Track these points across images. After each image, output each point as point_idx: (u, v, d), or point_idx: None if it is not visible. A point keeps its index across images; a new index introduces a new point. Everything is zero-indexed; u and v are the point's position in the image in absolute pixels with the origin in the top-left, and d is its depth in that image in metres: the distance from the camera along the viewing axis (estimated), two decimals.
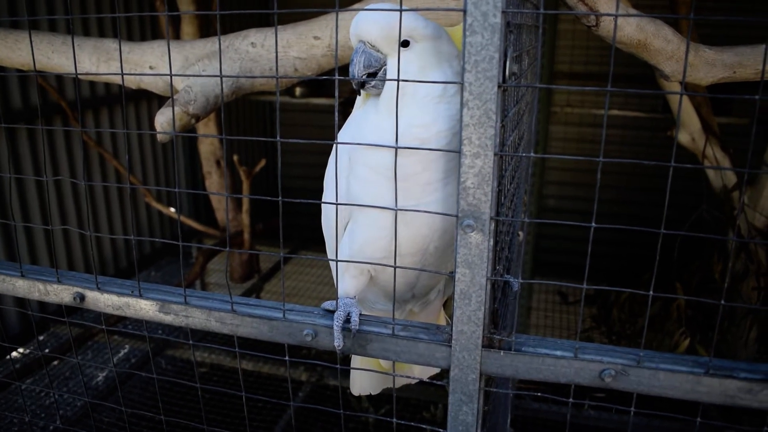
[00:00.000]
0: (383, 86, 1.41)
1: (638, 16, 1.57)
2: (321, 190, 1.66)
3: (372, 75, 1.42)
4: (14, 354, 4.93)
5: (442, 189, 1.40)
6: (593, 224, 1.17)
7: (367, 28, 1.38)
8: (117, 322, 5.14)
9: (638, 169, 6.92)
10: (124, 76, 2.59)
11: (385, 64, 1.41)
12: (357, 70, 1.40)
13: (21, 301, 4.81)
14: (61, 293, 1.67)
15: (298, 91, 7.78)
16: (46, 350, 5.02)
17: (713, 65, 2.01)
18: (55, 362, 5.05)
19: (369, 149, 1.41)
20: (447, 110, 1.36)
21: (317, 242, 6.86)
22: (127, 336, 5.45)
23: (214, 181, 5.67)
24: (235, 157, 5.00)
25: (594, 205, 1.19)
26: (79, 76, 2.53)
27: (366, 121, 1.45)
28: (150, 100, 6.38)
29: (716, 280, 4.57)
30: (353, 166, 1.46)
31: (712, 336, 1.28)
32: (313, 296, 6.38)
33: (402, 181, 1.32)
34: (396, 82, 1.22)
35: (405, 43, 1.37)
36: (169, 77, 1.47)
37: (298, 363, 4.85)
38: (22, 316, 5.06)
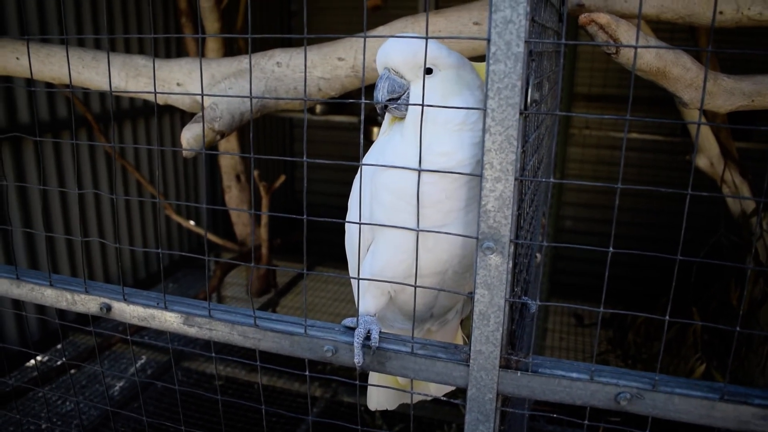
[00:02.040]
0: (406, 109, 1.46)
1: (657, 48, 1.60)
2: (341, 206, 1.70)
3: (395, 99, 1.47)
4: (32, 362, 4.99)
5: (463, 217, 1.44)
6: (610, 249, 1.19)
7: (391, 55, 1.45)
8: (134, 332, 5.20)
9: (656, 191, 6.90)
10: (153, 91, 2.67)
11: (408, 90, 1.46)
12: (381, 96, 1.46)
13: (42, 309, 4.89)
14: (88, 303, 1.71)
15: (318, 108, 7.88)
16: (63, 359, 5.08)
17: (732, 93, 2.04)
18: (73, 371, 5.11)
19: (392, 175, 1.45)
20: (470, 138, 1.40)
21: (335, 258, 6.90)
22: (144, 346, 5.51)
23: (233, 196, 5.73)
24: (256, 173, 5.06)
25: (612, 228, 1.21)
26: (107, 91, 2.61)
27: (390, 147, 1.50)
28: (173, 114, 6.48)
29: (734, 305, 4.54)
30: (377, 191, 1.50)
31: (729, 362, 1.30)
32: (329, 312, 6.41)
33: (424, 208, 1.36)
34: (419, 109, 1.26)
35: (428, 71, 1.43)
36: (195, 94, 1.52)
37: (313, 378, 4.88)
38: (42, 324, 5.14)
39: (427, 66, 1.41)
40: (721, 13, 2.36)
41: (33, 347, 4.99)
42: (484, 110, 1.15)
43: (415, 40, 1.42)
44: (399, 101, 1.46)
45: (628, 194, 7.24)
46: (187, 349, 4.74)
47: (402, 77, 1.46)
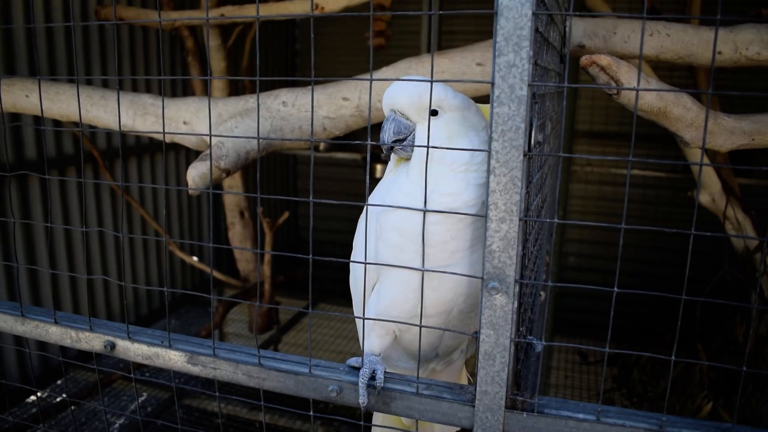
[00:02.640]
0: (412, 150, 1.48)
1: (658, 90, 1.62)
2: (345, 242, 1.70)
3: (401, 140, 1.49)
4: (32, 398, 4.95)
5: (468, 257, 1.44)
6: (615, 289, 1.20)
7: (397, 98, 1.47)
8: (135, 369, 5.16)
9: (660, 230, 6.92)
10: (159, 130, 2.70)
11: (414, 131, 1.48)
12: (387, 137, 1.48)
13: (43, 346, 4.86)
14: (92, 341, 1.71)
15: (322, 145, 7.94)
16: (63, 395, 5.03)
17: (732, 133, 2.06)
18: (73, 407, 5.06)
19: (398, 215, 1.46)
20: (475, 179, 1.41)
21: (337, 294, 6.86)
22: (144, 383, 5.46)
23: (237, 232, 5.74)
24: (260, 209, 5.08)
25: (617, 266, 1.22)
26: (115, 130, 2.65)
27: (396, 187, 1.51)
28: (178, 151, 6.54)
29: (739, 342, 4.51)
30: (382, 231, 1.51)
31: (736, 400, 1.29)
32: (331, 349, 6.37)
33: (430, 248, 1.37)
34: (425, 149, 1.28)
35: (434, 113, 1.45)
36: (203, 134, 1.54)
37: (316, 417, 4.82)
38: (42, 360, 5.11)
39: (433, 108, 1.44)
40: (720, 53, 2.40)
41: (35, 382, 4.95)
42: (489, 152, 1.17)
43: (420, 83, 1.44)
44: (405, 142, 1.49)
45: (631, 231, 7.24)
46: (188, 387, 4.70)
47: (408, 119, 1.48)
